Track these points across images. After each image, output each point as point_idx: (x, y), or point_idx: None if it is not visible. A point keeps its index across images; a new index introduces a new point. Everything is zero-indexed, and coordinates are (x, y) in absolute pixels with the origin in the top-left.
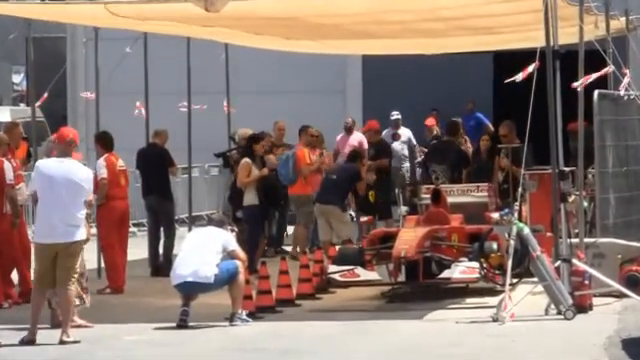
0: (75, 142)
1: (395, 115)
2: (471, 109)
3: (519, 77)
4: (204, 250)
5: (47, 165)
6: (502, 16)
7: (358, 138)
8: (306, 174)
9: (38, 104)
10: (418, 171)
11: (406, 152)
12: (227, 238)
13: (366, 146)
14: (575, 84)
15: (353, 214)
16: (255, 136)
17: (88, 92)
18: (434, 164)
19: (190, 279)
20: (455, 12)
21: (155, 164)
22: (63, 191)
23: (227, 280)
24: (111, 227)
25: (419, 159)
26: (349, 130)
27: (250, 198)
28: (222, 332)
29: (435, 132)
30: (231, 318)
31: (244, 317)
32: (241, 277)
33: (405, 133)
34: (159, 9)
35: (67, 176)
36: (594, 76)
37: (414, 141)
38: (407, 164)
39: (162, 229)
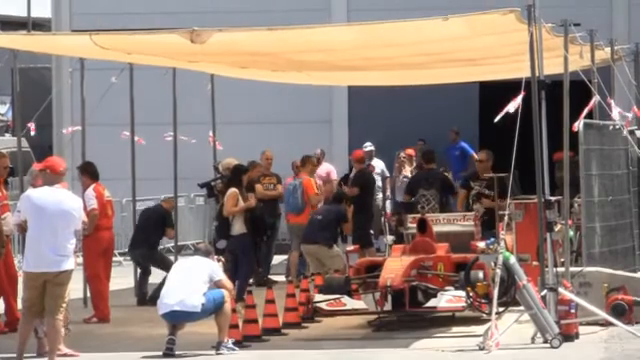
0: (65, 173)
1: (368, 147)
2: (455, 139)
3: (500, 114)
4: (191, 279)
5: (38, 195)
6: (488, 48)
7: (326, 169)
8: (315, 203)
9: (31, 132)
10: (388, 203)
11: (379, 183)
12: (213, 268)
13: (333, 176)
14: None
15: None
16: (241, 167)
17: (70, 127)
18: (422, 190)
19: (177, 308)
20: (441, 46)
21: (155, 224)
22: (55, 220)
23: (214, 309)
24: (97, 257)
25: (388, 192)
26: (318, 161)
27: (238, 227)
28: None
29: (413, 161)
30: (217, 347)
31: (230, 346)
32: (227, 306)
33: (379, 165)
34: (145, 41)
35: (60, 205)
36: (584, 112)
37: (387, 173)
38: (380, 195)
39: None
